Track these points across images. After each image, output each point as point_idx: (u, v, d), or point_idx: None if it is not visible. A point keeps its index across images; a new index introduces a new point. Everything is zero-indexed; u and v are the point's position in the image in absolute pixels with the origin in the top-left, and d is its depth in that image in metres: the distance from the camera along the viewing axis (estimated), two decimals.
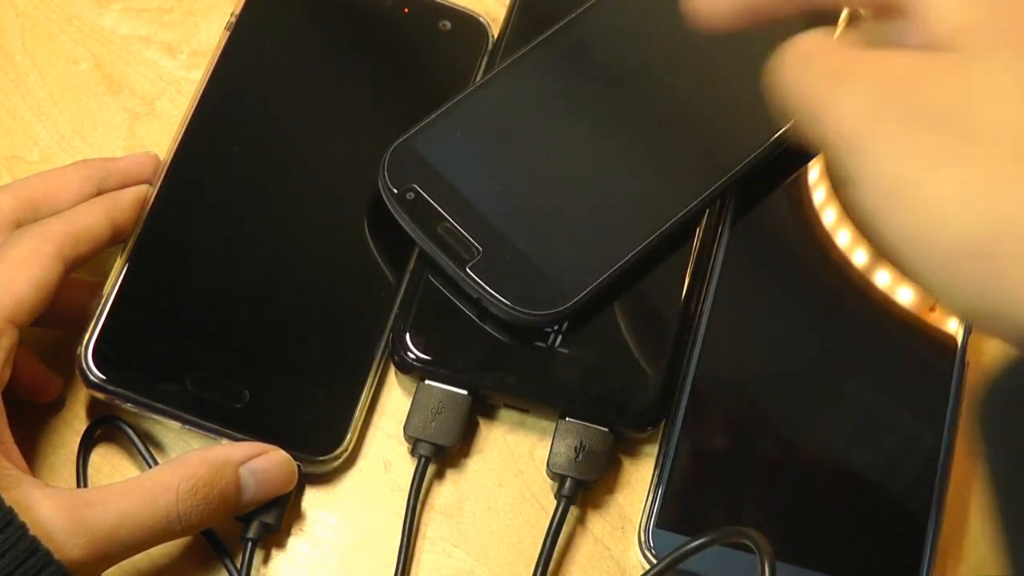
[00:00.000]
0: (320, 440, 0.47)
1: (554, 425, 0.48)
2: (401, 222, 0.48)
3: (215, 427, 0.47)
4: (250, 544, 0.46)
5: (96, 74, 0.55)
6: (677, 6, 0.46)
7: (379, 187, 0.48)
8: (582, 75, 0.52)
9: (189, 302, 0.49)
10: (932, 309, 0.51)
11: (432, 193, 0.48)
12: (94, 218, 0.46)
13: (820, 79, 0.34)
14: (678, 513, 0.47)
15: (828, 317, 0.51)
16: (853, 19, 0.46)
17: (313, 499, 0.48)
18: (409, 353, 0.48)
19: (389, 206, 0.48)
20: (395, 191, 0.48)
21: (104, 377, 0.46)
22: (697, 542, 0.42)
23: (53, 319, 0.46)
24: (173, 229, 0.49)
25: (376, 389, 0.49)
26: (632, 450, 0.49)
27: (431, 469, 0.48)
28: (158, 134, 0.53)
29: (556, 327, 0.48)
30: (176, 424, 0.47)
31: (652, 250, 0.49)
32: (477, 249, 0.47)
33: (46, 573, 0.38)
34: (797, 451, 0.48)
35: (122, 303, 0.47)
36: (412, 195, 0.48)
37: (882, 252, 0.33)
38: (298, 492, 0.47)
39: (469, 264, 0.47)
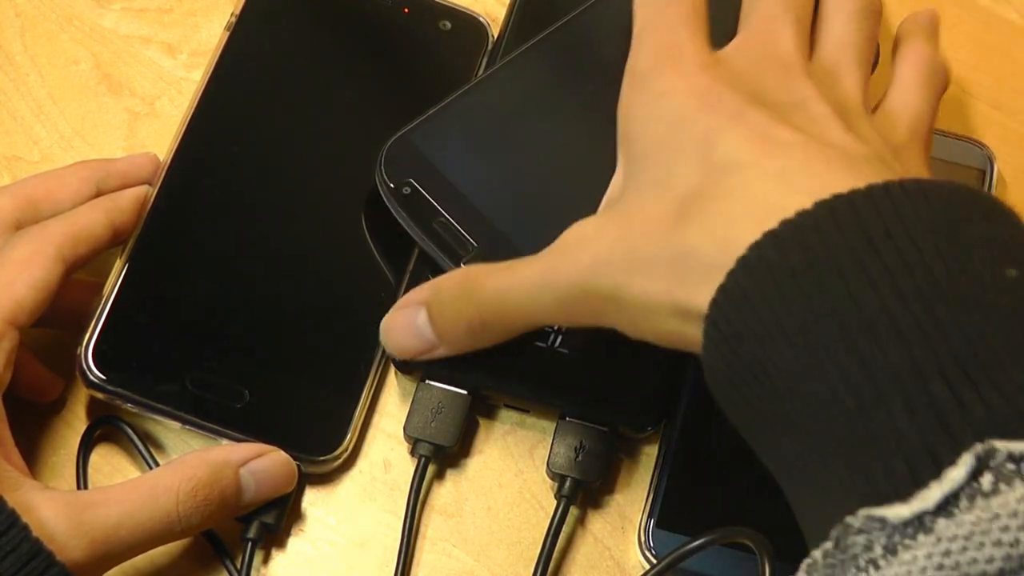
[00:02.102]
0: (320, 440, 0.47)
1: (554, 425, 0.48)
2: (397, 217, 0.48)
3: (215, 427, 0.47)
4: (250, 544, 0.46)
5: (96, 74, 0.55)
6: None
7: (375, 181, 0.48)
8: (581, 72, 0.52)
9: (189, 302, 0.49)
10: None
11: (429, 188, 0.48)
12: (94, 219, 0.46)
13: None
14: (678, 513, 0.47)
15: None
16: None
17: (313, 499, 0.48)
18: None
19: (385, 200, 0.48)
20: (391, 185, 0.48)
21: (104, 377, 0.46)
22: (697, 542, 0.42)
23: (53, 320, 0.46)
24: (173, 229, 0.49)
25: (376, 389, 0.49)
26: (632, 450, 0.49)
27: (431, 469, 0.48)
28: (158, 134, 0.53)
29: (556, 327, 0.48)
30: (176, 424, 0.47)
31: None
32: (472, 245, 0.47)
33: (49, 575, 0.38)
34: None
35: (122, 303, 0.47)
36: (408, 190, 0.48)
37: None
38: (298, 492, 0.47)
39: (464, 260, 0.47)
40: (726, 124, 0.39)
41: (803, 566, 0.32)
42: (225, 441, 0.47)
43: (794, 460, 0.34)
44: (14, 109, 0.54)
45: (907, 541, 0.30)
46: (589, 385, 0.48)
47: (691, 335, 0.37)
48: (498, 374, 0.48)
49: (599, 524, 0.48)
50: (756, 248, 0.34)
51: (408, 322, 0.46)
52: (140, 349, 0.47)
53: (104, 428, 0.48)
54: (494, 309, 0.43)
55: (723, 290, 0.35)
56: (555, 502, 0.47)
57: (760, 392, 0.34)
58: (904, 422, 0.31)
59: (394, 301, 0.49)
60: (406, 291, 0.49)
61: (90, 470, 0.48)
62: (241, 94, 0.52)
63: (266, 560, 0.47)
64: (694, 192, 0.38)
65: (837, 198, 0.34)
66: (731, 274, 0.35)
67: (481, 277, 0.44)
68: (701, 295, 0.36)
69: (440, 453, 0.48)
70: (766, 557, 0.40)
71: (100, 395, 0.47)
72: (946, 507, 0.30)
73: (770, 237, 0.34)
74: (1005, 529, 0.29)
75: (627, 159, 0.43)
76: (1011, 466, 0.29)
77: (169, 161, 0.50)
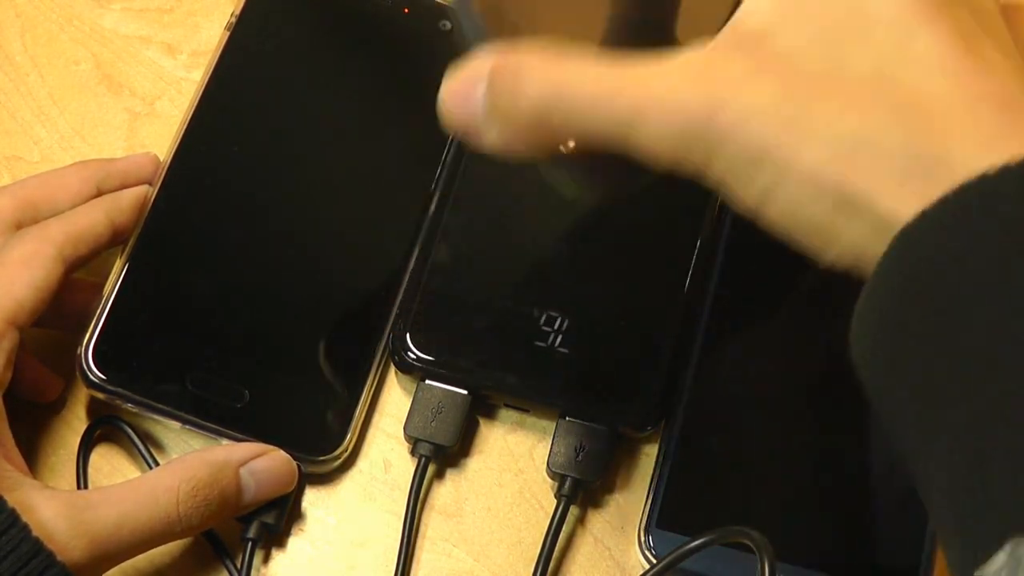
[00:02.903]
0: (320, 440, 0.47)
1: (554, 425, 0.48)
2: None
3: (215, 427, 0.47)
4: (250, 544, 0.46)
5: (96, 74, 0.55)
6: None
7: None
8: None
9: (189, 302, 0.49)
10: None
11: None
12: (94, 219, 0.46)
13: None
14: (678, 513, 0.47)
15: (827, 316, 0.51)
16: None
17: (313, 499, 0.48)
18: (409, 353, 0.48)
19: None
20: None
21: (104, 377, 0.46)
22: (697, 542, 0.43)
23: (54, 320, 0.46)
24: (173, 229, 0.49)
25: (376, 389, 0.49)
26: (632, 450, 0.49)
27: (431, 469, 0.48)
28: (158, 134, 0.53)
29: (556, 327, 0.48)
30: (176, 424, 0.47)
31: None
32: None
33: (49, 574, 0.38)
34: (797, 450, 0.48)
35: (122, 303, 0.47)
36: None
37: None
38: (298, 492, 0.47)
39: None
40: (930, 10, 0.33)
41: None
42: (225, 441, 0.47)
43: (992, 410, 0.29)
44: (14, 109, 0.54)
45: None
46: (589, 385, 0.48)
47: (844, 233, 0.32)
48: (498, 374, 0.48)
49: (599, 524, 0.48)
50: (986, 179, 0.29)
51: (466, 90, 0.38)
52: (140, 349, 0.47)
53: (104, 428, 0.48)
54: (579, 117, 0.35)
55: (944, 203, 0.30)
56: (555, 502, 0.47)
57: (954, 328, 0.29)
58: None
59: (394, 301, 0.49)
60: (406, 291, 0.49)
61: (90, 470, 0.48)
62: (241, 94, 0.52)
63: (266, 560, 0.47)
64: (891, 78, 0.32)
65: None
66: (959, 191, 0.30)
67: (574, 72, 0.35)
68: (892, 199, 0.31)
69: (440, 453, 0.48)
70: (766, 557, 0.40)
71: (100, 395, 0.47)
72: None
73: (1006, 171, 0.29)
74: None
75: None
76: None
77: (169, 161, 0.50)
